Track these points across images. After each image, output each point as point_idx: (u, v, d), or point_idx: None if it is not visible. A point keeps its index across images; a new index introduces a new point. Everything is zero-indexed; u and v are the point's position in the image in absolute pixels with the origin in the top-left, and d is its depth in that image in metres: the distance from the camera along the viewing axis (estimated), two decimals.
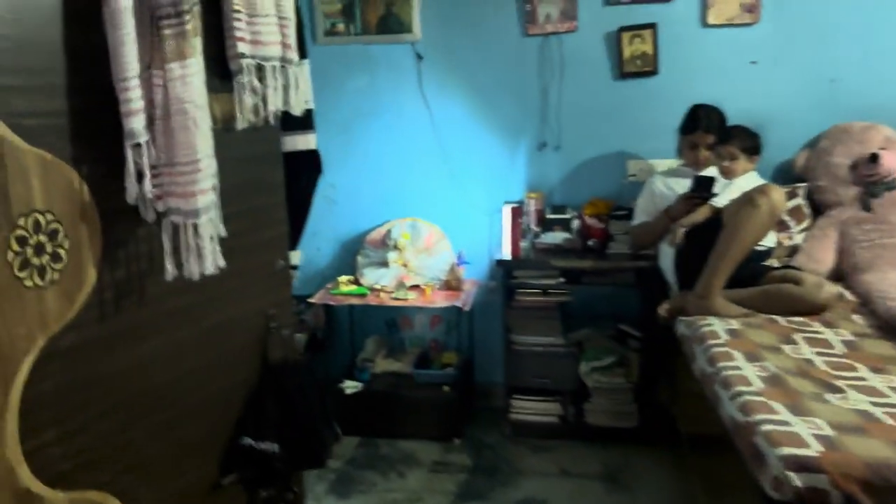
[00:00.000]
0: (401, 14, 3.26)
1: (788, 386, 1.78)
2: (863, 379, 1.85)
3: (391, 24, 3.28)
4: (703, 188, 2.70)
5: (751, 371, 1.88)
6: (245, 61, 1.76)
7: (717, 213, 2.53)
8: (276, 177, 2.10)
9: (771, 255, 2.72)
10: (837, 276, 2.77)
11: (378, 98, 3.36)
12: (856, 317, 2.37)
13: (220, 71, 1.75)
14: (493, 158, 3.33)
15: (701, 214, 2.59)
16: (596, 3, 3.14)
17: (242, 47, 1.75)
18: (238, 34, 1.74)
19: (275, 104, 1.85)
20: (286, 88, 1.88)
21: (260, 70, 1.81)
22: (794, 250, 2.87)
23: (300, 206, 2.57)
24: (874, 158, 2.77)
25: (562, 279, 3.03)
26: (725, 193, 2.58)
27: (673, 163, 3.08)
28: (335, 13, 3.31)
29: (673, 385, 2.82)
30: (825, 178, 2.91)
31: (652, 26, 3.09)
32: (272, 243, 2.07)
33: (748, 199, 2.38)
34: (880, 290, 2.39)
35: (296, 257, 2.51)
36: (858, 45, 3.00)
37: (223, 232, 1.63)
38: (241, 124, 1.79)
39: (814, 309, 2.36)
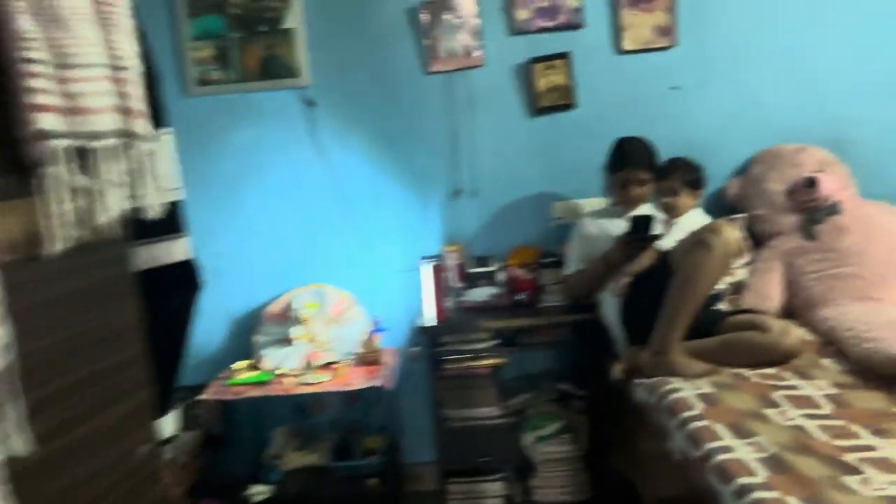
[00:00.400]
0: (285, 57, 2.86)
1: (797, 470, 1.48)
2: (871, 448, 1.58)
3: (274, 69, 2.88)
4: (641, 229, 2.43)
5: (746, 453, 1.57)
6: (54, 143, 1.11)
7: (664, 256, 2.26)
8: (127, 316, 1.41)
9: (723, 298, 2.47)
10: (788, 311, 2.55)
11: (266, 152, 2.93)
12: (825, 361, 2.13)
13: (10, 160, 1.10)
14: (404, 211, 2.96)
15: (646, 259, 2.31)
16: (500, 33, 2.86)
17: (47, 120, 1.10)
18: (39, 99, 1.09)
19: (117, 205, 1.21)
20: (137, 177, 1.25)
21: (83, 155, 1.17)
22: (738, 287, 2.64)
23: (171, 344, 1.81)
24: (811, 183, 2.58)
25: (494, 341, 2.68)
26: (670, 234, 2.31)
27: (602, 202, 2.82)
28: (208, 59, 2.88)
29: (629, 447, 2.51)
30: (762, 206, 2.71)
31: (564, 56, 2.84)
32: (128, 423, 1.38)
33: (699, 241, 2.12)
34: (848, 330, 2.16)
35: (169, 424, 1.73)
36: (780, 64, 2.84)
37: (21, 449, 0.97)
38: (54, 246, 1.15)
39: (782, 358, 2.11)
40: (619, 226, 2.57)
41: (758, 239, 2.74)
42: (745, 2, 2.81)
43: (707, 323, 2.24)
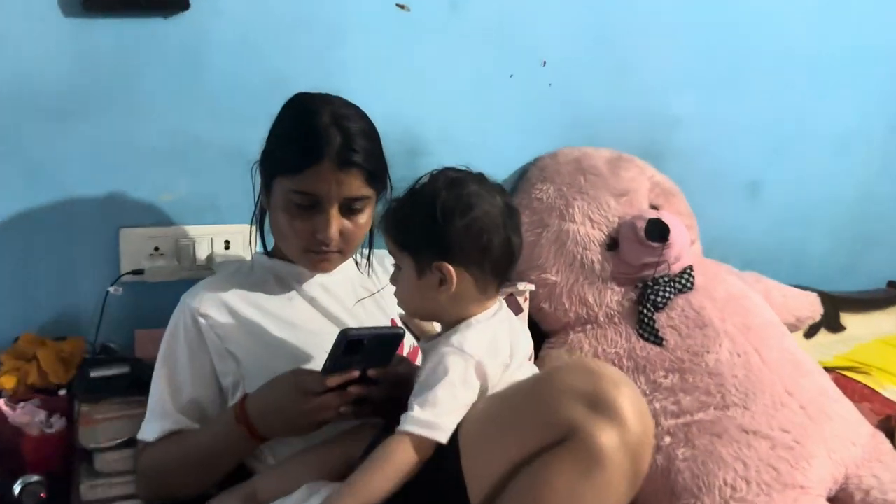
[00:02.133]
0: None
1: None
2: None
3: None
4: (367, 357, 0.91)
5: None
6: None
7: (442, 451, 0.78)
8: None
9: None
10: None
11: None
12: None
13: None
14: None
15: (402, 455, 0.78)
16: None
17: None
18: None
19: None
20: None
21: None
22: None
23: None
24: (661, 231, 1.34)
25: None
26: (450, 381, 0.81)
27: (252, 241, 1.20)
28: None
29: None
30: (556, 266, 1.40)
31: None
32: None
33: (565, 431, 0.73)
34: None
35: None
36: (576, 20, 1.54)
37: None
38: None
39: None
40: (297, 318, 1.05)
41: (543, 332, 1.43)
42: None
43: None
